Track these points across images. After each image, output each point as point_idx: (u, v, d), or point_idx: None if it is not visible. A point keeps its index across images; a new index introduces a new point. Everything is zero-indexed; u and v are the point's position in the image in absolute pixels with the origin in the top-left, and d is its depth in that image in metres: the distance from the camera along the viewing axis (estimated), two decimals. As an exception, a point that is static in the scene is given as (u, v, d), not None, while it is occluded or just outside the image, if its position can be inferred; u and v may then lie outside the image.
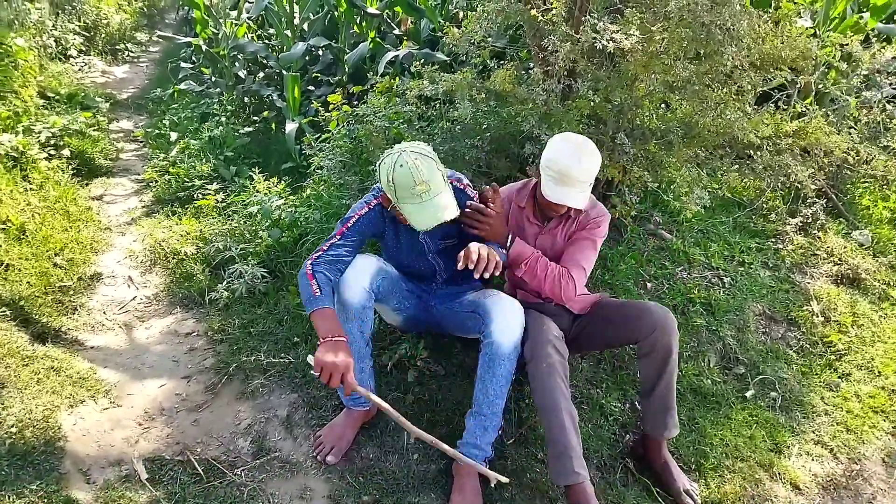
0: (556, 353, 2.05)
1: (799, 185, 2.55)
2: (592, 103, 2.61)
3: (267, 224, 3.35)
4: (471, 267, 1.93)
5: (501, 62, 2.88)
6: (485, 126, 3.23)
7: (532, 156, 2.95)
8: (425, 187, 1.95)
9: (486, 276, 1.97)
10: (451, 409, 2.45)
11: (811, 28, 4.86)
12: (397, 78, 3.21)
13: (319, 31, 5.35)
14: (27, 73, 4.97)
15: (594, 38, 2.29)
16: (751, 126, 2.42)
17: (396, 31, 5.26)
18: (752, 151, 2.54)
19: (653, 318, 2.16)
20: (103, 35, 7.10)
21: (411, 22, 5.11)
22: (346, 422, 2.26)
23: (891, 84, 4.36)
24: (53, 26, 6.35)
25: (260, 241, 3.24)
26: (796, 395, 2.75)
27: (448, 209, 1.99)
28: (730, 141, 2.56)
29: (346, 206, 3.34)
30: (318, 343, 1.88)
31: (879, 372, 2.90)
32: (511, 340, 2.05)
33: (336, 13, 5.29)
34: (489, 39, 3.07)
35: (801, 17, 2.43)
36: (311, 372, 2.20)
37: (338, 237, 2.12)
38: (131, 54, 7.24)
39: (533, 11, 2.67)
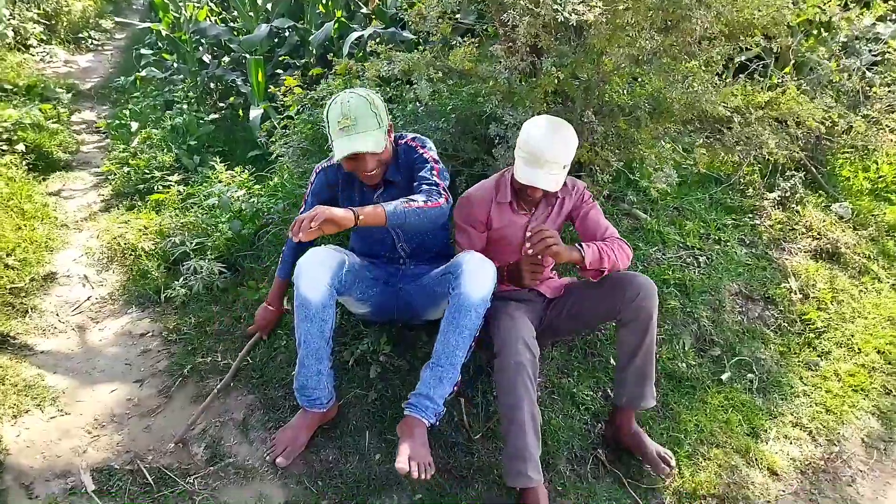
0: (527, 352, 1.95)
1: (770, 157, 2.43)
2: (557, 80, 2.48)
3: (227, 216, 3.22)
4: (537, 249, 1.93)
5: (473, 40, 2.75)
6: (450, 107, 3.10)
7: (497, 137, 2.83)
8: (351, 122, 1.99)
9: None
10: (416, 405, 2.35)
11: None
12: (355, 59, 3.07)
13: (284, 12, 5.18)
14: (-21, 64, 4.79)
15: (555, 10, 2.17)
16: (720, 98, 2.31)
17: (364, 11, 5.09)
18: (722, 125, 2.43)
19: (636, 282, 2.11)
20: (65, 23, 6.87)
21: (378, 0, 4.94)
22: (300, 423, 2.15)
23: (870, 51, 4.25)
24: (11, 15, 6.13)
25: (219, 234, 3.11)
26: (774, 376, 2.67)
27: (366, 144, 1.99)
28: (700, 115, 2.45)
29: (301, 195, 3.21)
30: None
31: (859, 349, 2.82)
32: (480, 293, 1.95)
33: (301, -7, 5.12)
34: (456, 15, 2.93)
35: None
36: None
37: (303, 207, 2.24)
38: (95, 42, 7.01)
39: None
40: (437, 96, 2.90)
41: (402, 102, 3.19)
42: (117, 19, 6.62)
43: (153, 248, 3.26)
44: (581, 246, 2.04)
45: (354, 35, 4.21)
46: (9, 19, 6.04)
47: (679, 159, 2.56)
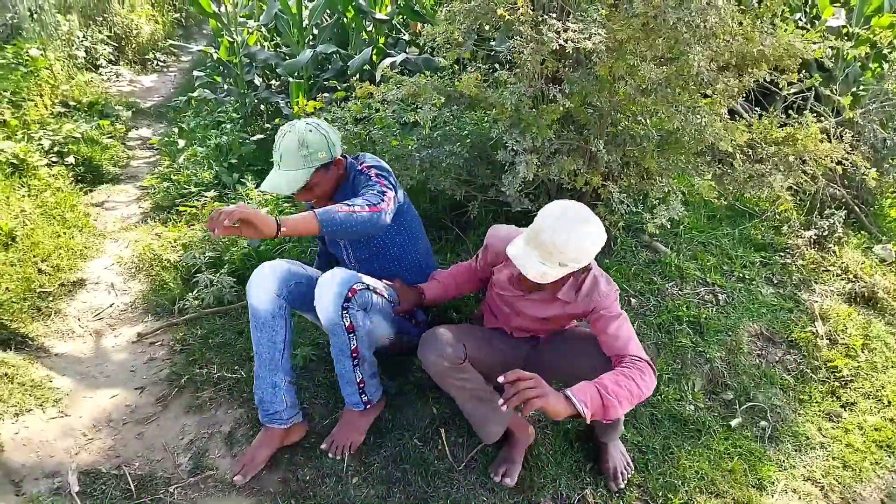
0: (439, 357, 1.98)
1: (801, 193, 2.31)
2: (563, 107, 2.45)
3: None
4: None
5: (482, 66, 2.75)
6: (465, 132, 3.10)
7: (506, 163, 2.80)
8: (278, 157, 2.06)
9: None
10: (402, 429, 2.32)
11: (844, 26, 4.57)
12: (369, 82, 3.10)
13: (329, 38, 5.31)
14: (45, 82, 5.10)
15: (549, 38, 2.14)
16: (729, 132, 2.21)
17: (406, 37, 5.18)
18: (733, 159, 2.33)
19: (592, 363, 1.91)
20: (133, 45, 7.26)
21: (420, 27, 5.02)
22: (261, 441, 2.17)
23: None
24: (84, 37, 6.53)
25: (237, 249, 3.19)
26: (789, 425, 2.51)
27: (277, 186, 2.04)
28: (710, 147, 2.36)
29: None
30: None
31: (889, 402, 2.63)
32: (325, 317, 2.01)
33: (345, 20, 5.25)
34: (466, 42, 2.94)
35: (783, 14, 2.21)
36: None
37: None
38: (160, 63, 7.38)
39: (500, 11, 2.53)
40: (443, 122, 2.89)
41: (421, 127, 3.20)
42: (177, 43, 6.96)
43: (176, 260, 3.37)
44: (573, 397, 1.62)
45: (387, 61, 4.28)
46: (81, 41, 6.42)
47: (688, 192, 2.47)
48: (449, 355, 1.97)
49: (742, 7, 2.20)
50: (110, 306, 3.15)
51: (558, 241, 1.72)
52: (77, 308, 3.13)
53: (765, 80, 2.11)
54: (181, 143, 4.90)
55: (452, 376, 2.01)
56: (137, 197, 4.41)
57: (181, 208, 3.84)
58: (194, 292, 3.02)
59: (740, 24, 2.06)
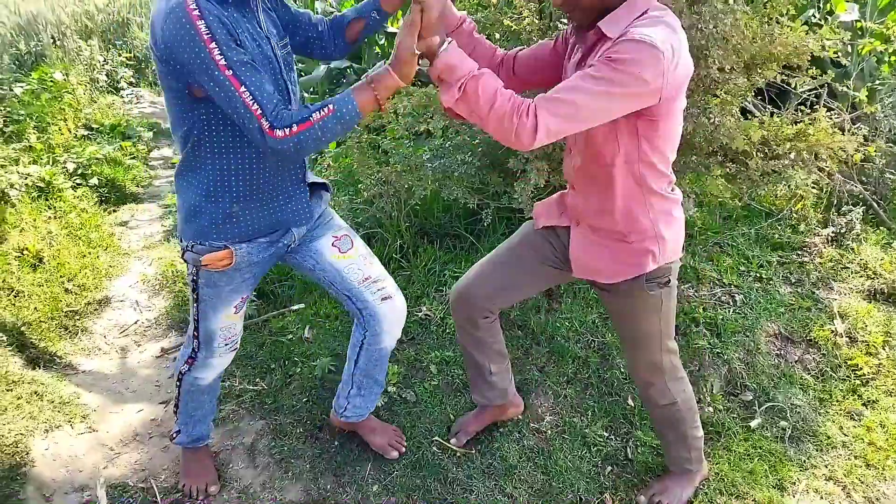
0: (461, 318, 2.09)
1: (817, 190, 2.30)
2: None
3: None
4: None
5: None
6: (476, 140, 3.13)
7: (520, 171, 2.82)
8: None
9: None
10: (420, 437, 2.35)
11: (858, 21, 4.53)
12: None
13: (343, 53, 5.39)
14: (69, 106, 5.24)
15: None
16: (742, 131, 2.22)
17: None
18: (747, 158, 2.33)
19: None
20: (153, 67, 7.43)
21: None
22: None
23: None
24: (105, 61, 6.69)
25: (256, 263, 3.25)
26: (810, 424, 2.49)
27: None
28: (723, 147, 2.36)
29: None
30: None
31: (913, 399, 2.59)
32: (392, 342, 2.12)
33: (359, 34, 5.32)
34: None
35: (790, 12, 2.21)
36: None
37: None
38: (181, 84, 7.56)
39: (506, 21, 2.57)
40: (454, 131, 2.93)
41: (435, 138, 3.24)
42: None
43: (198, 276, 3.43)
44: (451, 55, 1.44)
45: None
46: (103, 65, 6.59)
47: (702, 193, 2.47)
48: (470, 307, 2.05)
49: (749, 8, 2.20)
50: (135, 323, 3.23)
51: None
52: (103, 326, 3.21)
53: (775, 80, 2.12)
54: (201, 161, 5.00)
55: (472, 332, 2.10)
56: (160, 215, 4.51)
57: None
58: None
59: (747, 25, 2.07)
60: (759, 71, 2.16)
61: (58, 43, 6.31)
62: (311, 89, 5.02)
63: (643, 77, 1.37)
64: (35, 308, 3.12)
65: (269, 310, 3.09)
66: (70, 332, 3.10)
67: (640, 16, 1.46)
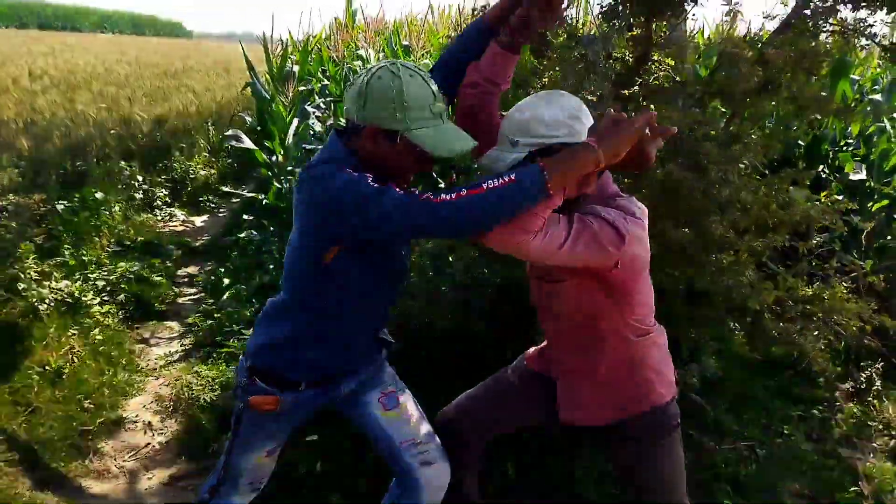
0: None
1: (811, 358, 2.34)
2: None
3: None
4: None
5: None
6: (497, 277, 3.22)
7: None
8: (442, 105, 1.58)
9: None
10: None
11: (866, 181, 4.73)
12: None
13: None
14: (104, 223, 5.47)
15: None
16: (756, 292, 2.29)
17: (442, 187, 5.49)
18: (762, 317, 2.39)
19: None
20: (189, 188, 7.79)
21: (457, 177, 5.33)
22: None
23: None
24: (143, 181, 7.05)
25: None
26: None
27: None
28: (740, 304, 2.42)
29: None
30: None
31: (948, 574, 2.47)
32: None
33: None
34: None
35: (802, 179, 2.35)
36: None
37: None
38: (212, 205, 7.86)
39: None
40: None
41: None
42: (228, 189, 7.46)
43: (214, 399, 3.44)
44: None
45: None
46: (140, 184, 6.92)
47: (720, 343, 2.51)
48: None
49: (759, 176, 2.34)
50: (146, 446, 3.21)
51: (506, 119, 1.59)
52: (114, 447, 3.18)
53: (785, 244, 2.23)
54: (226, 281, 5.13)
55: None
56: (181, 333, 4.57)
57: (221, 350, 3.96)
58: (228, 434, 3.05)
59: (755, 193, 2.20)
60: (771, 236, 2.27)
61: (101, 163, 6.68)
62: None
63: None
64: (50, 426, 3.12)
65: (283, 440, 3.06)
66: (82, 452, 3.07)
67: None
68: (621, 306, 1.65)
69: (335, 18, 10.25)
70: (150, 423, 3.40)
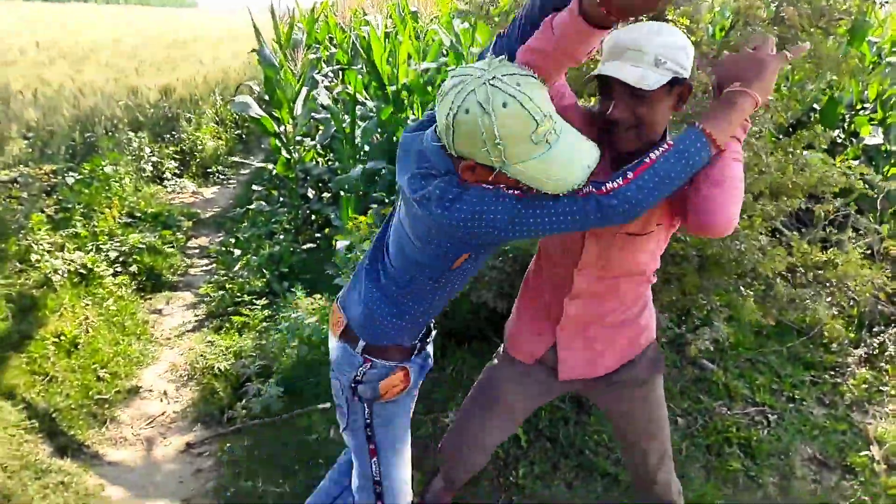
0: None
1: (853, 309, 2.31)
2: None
3: (296, 342, 3.40)
4: None
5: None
6: (507, 247, 3.21)
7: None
8: (550, 123, 1.30)
9: None
10: None
11: (882, 145, 4.64)
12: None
13: (379, 155, 5.63)
14: (115, 195, 5.49)
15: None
16: (769, 257, 2.26)
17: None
18: (774, 281, 2.36)
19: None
20: (197, 160, 7.78)
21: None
22: None
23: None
24: (152, 152, 7.04)
25: (286, 358, 3.29)
26: (850, 558, 2.38)
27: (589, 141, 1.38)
28: (752, 270, 2.40)
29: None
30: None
31: (958, 535, 2.48)
32: None
33: (395, 138, 5.57)
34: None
35: (819, 140, 2.30)
36: None
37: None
38: (221, 177, 7.86)
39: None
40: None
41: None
42: (237, 160, 7.44)
43: (228, 368, 3.47)
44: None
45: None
46: (150, 156, 6.92)
47: (732, 309, 2.49)
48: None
49: (775, 139, 2.30)
50: (162, 414, 3.25)
51: (642, 35, 1.40)
52: (130, 415, 3.23)
53: (801, 208, 2.19)
54: (237, 252, 5.15)
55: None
56: (193, 304, 4.60)
57: (236, 319, 3.99)
58: (243, 402, 3.10)
59: (772, 154, 2.16)
60: (786, 200, 2.23)
61: (110, 134, 6.67)
62: (347, 187, 5.22)
63: None
64: (67, 394, 3.17)
65: (295, 407, 3.10)
66: (99, 420, 3.12)
67: None
68: (663, 249, 1.67)
69: (342, -16, 10.09)
70: (165, 391, 3.44)
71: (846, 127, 5.02)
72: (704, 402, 2.92)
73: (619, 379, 1.80)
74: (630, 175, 1.31)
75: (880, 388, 3.12)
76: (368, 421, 1.65)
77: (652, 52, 1.38)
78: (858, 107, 5.13)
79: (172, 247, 5.43)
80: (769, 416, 2.91)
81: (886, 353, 3.25)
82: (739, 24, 2.61)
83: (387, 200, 5.12)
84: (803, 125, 4.13)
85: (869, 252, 3.63)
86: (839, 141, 4.81)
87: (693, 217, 1.39)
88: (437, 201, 1.36)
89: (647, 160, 1.32)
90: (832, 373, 3.22)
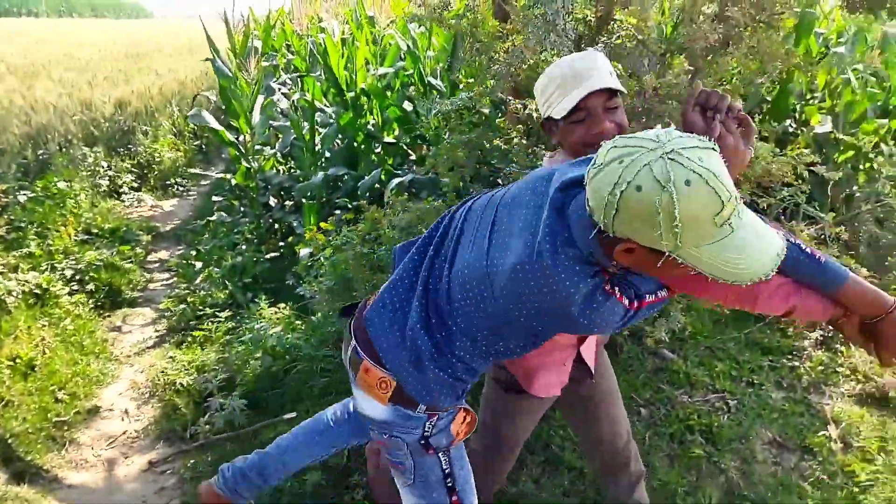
0: None
1: None
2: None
3: (259, 353, 3.36)
4: None
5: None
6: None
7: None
8: (732, 206, 1.08)
9: None
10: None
11: (831, 132, 4.77)
12: (377, 205, 3.26)
13: (340, 161, 5.60)
14: (70, 212, 5.37)
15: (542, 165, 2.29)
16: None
17: (413, 157, 5.46)
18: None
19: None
20: (156, 172, 7.66)
21: (426, 149, 5.29)
22: None
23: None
24: (108, 167, 6.91)
25: (248, 370, 3.25)
26: (812, 537, 2.44)
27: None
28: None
29: (332, 333, 3.33)
30: None
31: (914, 508, 2.55)
32: None
33: (355, 144, 5.55)
34: (468, 164, 3.10)
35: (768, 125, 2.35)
36: None
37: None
38: (181, 188, 7.74)
39: (496, 141, 2.71)
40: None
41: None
42: (196, 171, 7.35)
43: (190, 383, 3.42)
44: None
45: (396, 181, 4.50)
46: (105, 171, 6.79)
47: (689, 302, 2.53)
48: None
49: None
50: (123, 434, 3.19)
51: (590, 59, 1.59)
52: (91, 436, 3.16)
53: (750, 197, 2.24)
54: (198, 264, 5.08)
55: None
56: (154, 319, 4.52)
57: (196, 334, 3.92)
58: (206, 417, 3.05)
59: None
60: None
61: (63, 150, 6.53)
62: (309, 194, 5.18)
63: None
64: (24, 418, 3.08)
65: (261, 419, 3.06)
66: (58, 443, 3.05)
67: None
68: None
69: (297, -9, 10.06)
70: (126, 410, 3.38)
71: (797, 117, 5.14)
72: (666, 391, 2.97)
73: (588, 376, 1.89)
74: (635, 304, 1.30)
75: (836, 369, 3.19)
76: (448, 470, 1.57)
77: (605, 68, 1.58)
78: (808, 96, 5.26)
79: (131, 262, 5.33)
80: (729, 401, 2.97)
81: (840, 336, 3.32)
82: (685, 20, 2.67)
83: (349, 206, 5.09)
84: (753, 118, 4.21)
85: (821, 237, 3.71)
86: (791, 130, 4.92)
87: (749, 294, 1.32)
88: (581, 303, 1.24)
89: (645, 299, 1.30)
90: (789, 356, 3.29)
